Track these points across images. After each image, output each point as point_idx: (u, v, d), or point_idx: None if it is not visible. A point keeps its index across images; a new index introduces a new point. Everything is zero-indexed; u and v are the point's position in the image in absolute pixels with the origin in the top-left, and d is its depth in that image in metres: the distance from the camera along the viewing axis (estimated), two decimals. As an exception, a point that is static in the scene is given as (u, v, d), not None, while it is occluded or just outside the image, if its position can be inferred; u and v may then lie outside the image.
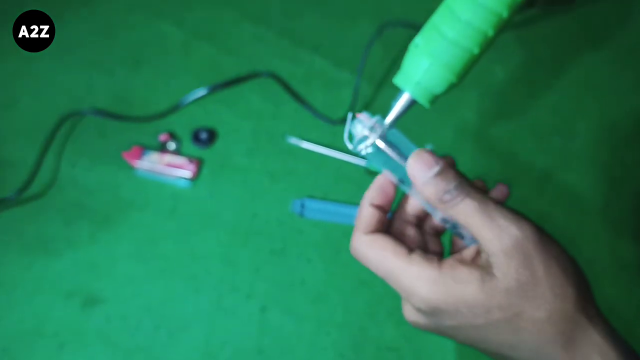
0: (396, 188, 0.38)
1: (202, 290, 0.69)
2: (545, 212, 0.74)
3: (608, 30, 0.88)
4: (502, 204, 0.33)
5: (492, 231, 0.31)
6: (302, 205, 0.73)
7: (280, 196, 0.75)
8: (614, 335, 0.32)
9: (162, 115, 0.78)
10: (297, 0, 0.87)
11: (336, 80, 0.82)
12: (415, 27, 0.82)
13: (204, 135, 0.76)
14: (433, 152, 0.34)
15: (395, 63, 0.82)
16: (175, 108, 0.78)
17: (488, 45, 0.36)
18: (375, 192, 0.37)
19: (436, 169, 0.33)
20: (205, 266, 0.70)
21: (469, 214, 0.32)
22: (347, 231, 0.73)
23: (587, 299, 0.32)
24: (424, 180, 0.33)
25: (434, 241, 0.40)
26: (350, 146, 0.37)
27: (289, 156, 0.77)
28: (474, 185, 0.35)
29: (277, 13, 0.86)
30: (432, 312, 0.33)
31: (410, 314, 0.37)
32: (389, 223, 0.39)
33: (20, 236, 0.71)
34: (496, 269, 0.31)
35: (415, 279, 0.33)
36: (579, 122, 0.81)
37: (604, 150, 0.80)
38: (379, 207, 0.37)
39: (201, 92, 0.78)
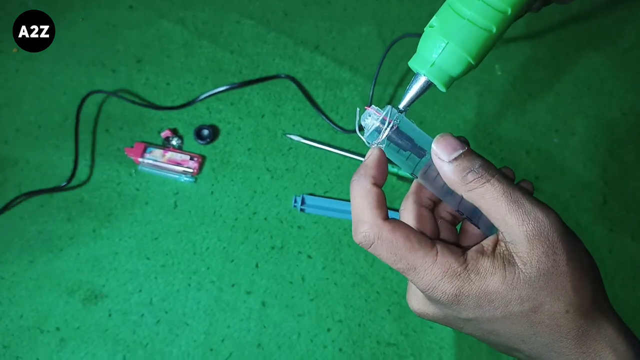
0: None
1: (203, 285, 0.70)
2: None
3: (607, 31, 0.89)
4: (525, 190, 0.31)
5: (517, 216, 0.30)
6: (303, 202, 0.73)
7: (281, 193, 0.75)
8: (625, 330, 0.32)
9: (185, 105, 0.79)
10: (297, 1, 0.88)
11: (336, 79, 0.82)
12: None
13: (206, 132, 0.76)
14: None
15: (397, 64, 0.83)
16: (193, 101, 0.79)
17: (506, 26, 0.34)
18: (377, 169, 0.33)
19: (460, 150, 0.31)
20: (206, 262, 0.71)
21: (493, 197, 0.30)
22: (347, 227, 0.73)
23: (601, 293, 0.32)
24: (448, 160, 0.31)
25: (449, 228, 0.38)
26: (363, 138, 0.35)
27: (290, 153, 0.77)
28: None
29: (278, 13, 0.87)
30: (450, 304, 0.31)
31: (418, 304, 0.35)
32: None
33: (22, 233, 0.71)
34: (518, 258, 0.30)
35: (442, 274, 0.31)
36: (577, 121, 0.82)
37: (602, 148, 0.81)
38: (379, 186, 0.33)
39: (221, 88, 0.80)
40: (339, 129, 0.78)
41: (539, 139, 0.80)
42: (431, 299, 0.32)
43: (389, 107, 0.34)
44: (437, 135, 0.32)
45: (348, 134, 0.78)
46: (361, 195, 0.32)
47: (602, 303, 0.31)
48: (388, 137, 0.34)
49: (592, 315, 0.31)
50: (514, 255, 0.31)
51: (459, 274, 0.31)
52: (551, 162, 0.79)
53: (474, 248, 0.32)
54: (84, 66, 0.81)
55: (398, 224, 0.32)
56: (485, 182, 0.31)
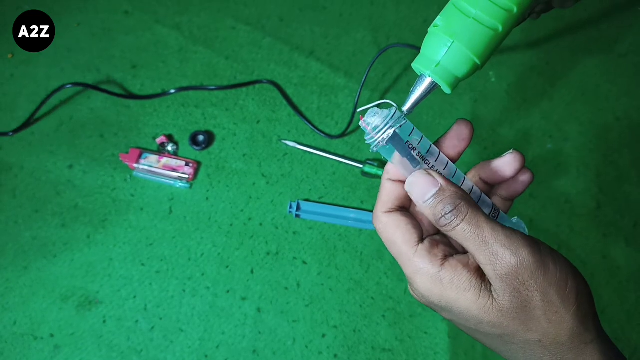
0: None
1: (198, 291, 0.69)
2: (537, 215, 0.75)
3: (601, 37, 0.89)
4: (501, 226, 0.31)
5: (484, 256, 0.31)
6: (298, 208, 0.73)
7: (276, 198, 0.75)
8: (612, 355, 0.31)
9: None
10: (293, 7, 0.88)
11: (331, 85, 0.82)
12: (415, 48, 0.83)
13: (201, 138, 0.76)
14: (431, 171, 0.33)
15: (390, 69, 0.83)
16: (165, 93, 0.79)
17: (512, 25, 0.34)
18: (395, 167, 0.36)
19: (433, 191, 0.32)
20: (201, 268, 0.71)
21: (463, 239, 0.31)
22: (342, 233, 0.73)
23: (586, 323, 0.31)
24: (420, 203, 0.33)
25: None
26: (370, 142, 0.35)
27: (285, 159, 0.77)
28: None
29: (274, 18, 0.87)
30: (426, 303, 0.34)
31: (413, 292, 0.37)
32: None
33: (16, 238, 0.71)
34: (493, 288, 0.31)
35: (416, 272, 0.33)
36: (571, 127, 0.82)
37: (596, 153, 0.81)
38: (400, 182, 0.36)
39: (211, 87, 0.81)
40: (321, 134, 0.78)
41: (533, 144, 0.81)
42: (412, 292, 0.35)
43: (391, 108, 0.34)
44: (411, 175, 0.33)
45: (331, 138, 0.78)
46: (380, 188, 0.37)
47: (585, 333, 0.31)
48: (387, 140, 0.34)
49: (569, 345, 0.31)
50: (492, 284, 0.31)
51: (431, 276, 0.32)
52: (545, 168, 0.79)
53: (459, 257, 0.33)
54: (79, 71, 0.81)
55: (394, 218, 0.35)
56: (455, 227, 0.31)
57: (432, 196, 0.32)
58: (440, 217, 0.32)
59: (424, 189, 0.33)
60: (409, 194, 0.33)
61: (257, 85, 0.82)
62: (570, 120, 0.83)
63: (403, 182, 0.35)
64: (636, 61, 0.88)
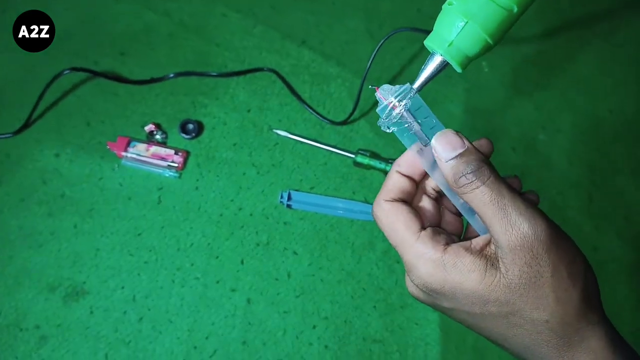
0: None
1: (187, 282, 0.69)
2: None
3: (596, 26, 0.89)
4: (521, 196, 0.31)
5: (501, 225, 0.30)
6: (289, 198, 0.72)
7: (267, 188, 0.74)
8: (615, 343, 0.31)
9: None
10: (285, -6, 0.87)
11: (323, 73, 0.81)
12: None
13: (191, 127, 0.75)
14: (461, 134, 0.33)
15: (386, 60, 0.82)
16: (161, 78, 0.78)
17: (526, 6, 0.34)
18: (405, 160, 0.36)
19: (460, 150, 0.32)
20: (190, 258, 0.70)
21: (482, 203, 0.31)
22: (334, 224, 0.73)
23: (592, 304, 0.31)
24: (445, 159, 0.32)
25: (453, 219, 0.39)
26: (382, 119, 0.35)
27: (276, 149, 0.76)
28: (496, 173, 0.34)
29: (265, 6, 0.86)
30: (428, 291, 0.33)
31: (411, 286, 0.36)
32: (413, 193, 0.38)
33: (2, 227, 0.70)
34: (502, 263, 0.30)
35: (418, 257, 0.33)
36: (564, 118, 0.82)
37: (589, 146, 0.81)
38: (407, 177, 0.36)
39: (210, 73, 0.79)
40: (326, 121, 0.77)
41: (525, 135, 0.80)
42: (412, 281, 0.34)
43: (407, 85, 0.34)
44: (439, 131, 0.33)
45: (335, 125, 0.77)
46: (387, 178, 0.37)
47: (591, 314, 0.31)
48: (400, 117, 0.34)
49: (576, 326, 0.30)
50: (500, 259, 0.31)
51: (434, 261, 0.32)
52: (537, 159, 0.79)
53: (461, 243, 0.33)
54: (67, 58, 0.79)
55: (396, 206, 0.35)
56: (475, 188, 0.31)
57: (457, 155, 0.32)
58: (461, 176, 0.31)
59: (449, 146, 0.32)
60: (433, 151, 0.33)
61: (248, 75, 0.80)
62: (564, 111, 0.83)
63: (411, 178, 0.36)
64: (631, 52, 0.88)
